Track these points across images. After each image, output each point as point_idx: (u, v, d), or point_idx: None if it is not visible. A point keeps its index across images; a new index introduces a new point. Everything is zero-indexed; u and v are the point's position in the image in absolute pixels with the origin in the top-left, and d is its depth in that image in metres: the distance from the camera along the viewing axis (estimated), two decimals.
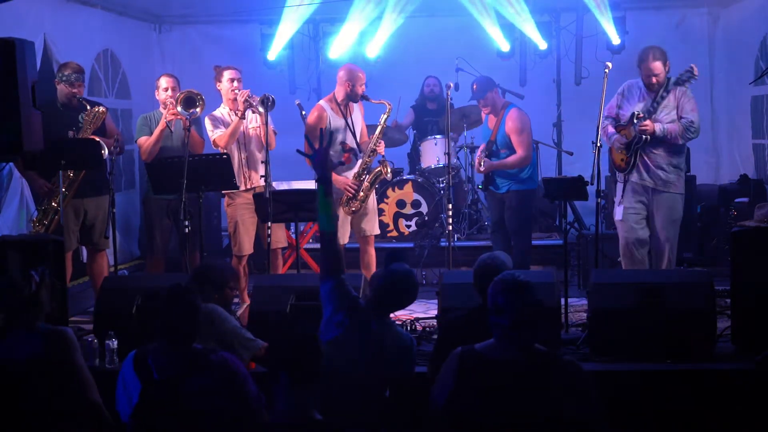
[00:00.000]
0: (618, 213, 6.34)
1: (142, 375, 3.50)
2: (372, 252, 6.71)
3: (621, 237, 6.37)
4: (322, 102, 6.59)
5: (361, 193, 6.54)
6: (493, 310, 3.31)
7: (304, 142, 4.21)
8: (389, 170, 6.64)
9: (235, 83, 6.53)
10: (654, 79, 6.11)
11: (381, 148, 6.57)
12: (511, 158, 6.69)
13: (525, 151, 6.66)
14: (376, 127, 6.61)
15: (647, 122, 6.03)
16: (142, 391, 3.48)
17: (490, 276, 4.09)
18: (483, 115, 6.98)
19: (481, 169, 6.77)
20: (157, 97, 6.74)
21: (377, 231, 6.85)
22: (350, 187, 6.48)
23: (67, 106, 6.35)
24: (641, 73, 6.19)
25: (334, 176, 6.20)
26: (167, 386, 3.47)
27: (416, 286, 3.88)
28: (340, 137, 6.49)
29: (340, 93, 6.55)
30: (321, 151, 3.86)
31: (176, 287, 3.63)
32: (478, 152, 6.88)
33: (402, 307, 3.98)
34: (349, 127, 6.56)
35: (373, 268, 6.54)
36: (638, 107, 6.18)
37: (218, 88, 6.63)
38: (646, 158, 6.19)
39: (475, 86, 6.82)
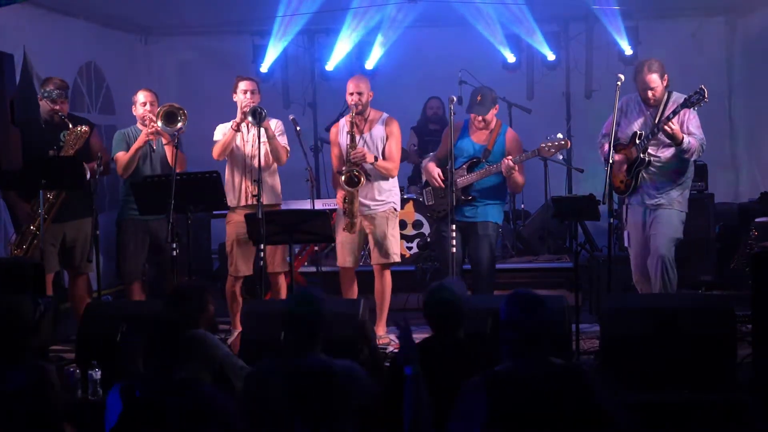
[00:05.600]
0: (625, 239, 6.35)
1: (125, 396, 3.53)
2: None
3: (632, 262, 6.34)
4: None
5: None
6: (505, 325, 3.41)
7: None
8: None
9: (248, 95, 6.59)
10: (650, 93, 6.01)
11: None
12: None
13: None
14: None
15: (676, 128, 5.82)
16: (123, 411, 3.50)
17: (441, 306, 4.10)
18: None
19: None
20: (134, 113, 6.73)
21: None
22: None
23: (50, 124, 6.36)
24: (637, 86, 6.09)
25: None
26: (148, 405, 3.49)
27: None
28: None
29: None
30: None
31: (158, 316, 3.68)
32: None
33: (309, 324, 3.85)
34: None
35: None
36: (637, 123, 6.12)
37: (234, 99, 6.68)
38: (648, 179, 6.11)
39: (479, 98, 6.44)
